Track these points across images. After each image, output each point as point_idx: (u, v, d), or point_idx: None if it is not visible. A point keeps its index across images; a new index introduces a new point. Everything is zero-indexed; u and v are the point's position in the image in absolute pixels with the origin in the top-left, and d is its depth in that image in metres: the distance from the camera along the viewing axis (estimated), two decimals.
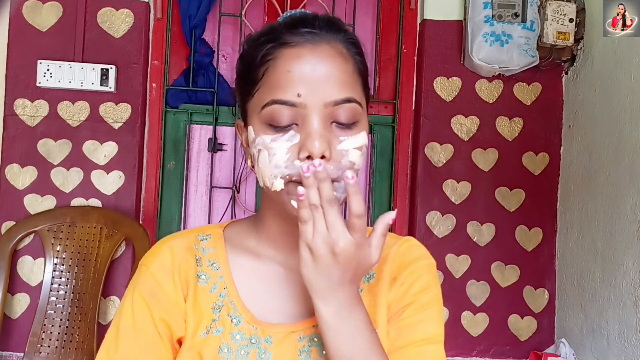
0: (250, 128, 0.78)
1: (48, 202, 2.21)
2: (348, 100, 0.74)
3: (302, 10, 0.82)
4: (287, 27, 0.77)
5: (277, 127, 0.74)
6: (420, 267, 0.85)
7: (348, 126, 0.75)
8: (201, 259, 0.83)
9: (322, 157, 0.71)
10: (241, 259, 0.84)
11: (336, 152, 0.73)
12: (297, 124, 0.73)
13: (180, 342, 0.81)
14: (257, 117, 0.76)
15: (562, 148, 2.38)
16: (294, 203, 0.73)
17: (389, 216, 0.72)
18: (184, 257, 0.82)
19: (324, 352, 0.79)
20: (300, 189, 0.69)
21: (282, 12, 2.37)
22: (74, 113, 2.24)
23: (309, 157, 0.71)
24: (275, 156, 0.73)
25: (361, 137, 0.76)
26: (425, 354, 0.80)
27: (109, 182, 2.25)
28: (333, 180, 0.73)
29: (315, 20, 0.77)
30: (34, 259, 2.19)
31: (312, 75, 0.73)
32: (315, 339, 0.79)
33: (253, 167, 0.80)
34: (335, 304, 0.71)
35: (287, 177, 0.73)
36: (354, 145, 0.75)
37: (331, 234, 0.69)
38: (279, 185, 0.74)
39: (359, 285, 0.74)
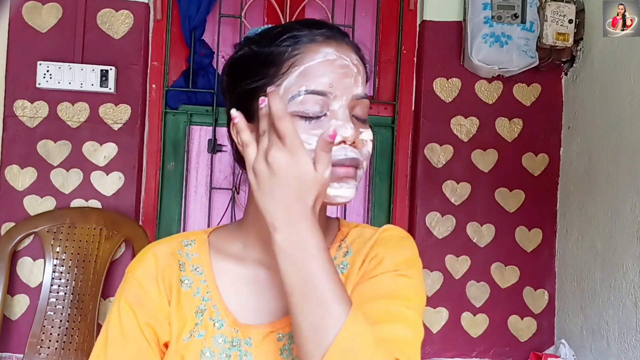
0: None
1: (48, 203, 2.21)
2: (366, 96, 0.80)
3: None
4: (303, 25, 0.80)
5: (307, 117, 0.76)
6: (397, 247, 0.83)
7: (363, 120, 0.80)
8: (184, 264, 0.84)
9: (352, 143, 0.76)
10: (224, 263, 0.85)
11: (359, 141, 0.78)
12: (326, 114, 0.76)
13: (166, 346, 0.82)
14: (287, 108, 0.75)
15: (561, 149, 2.38)
16: (329, 190, 0.75)
17: (327, 133, 0.70)
18: (167, 262, 0.84)
19: None
20: (234, 111, 0.73)
21: (282, 13, 2.39)
22: (74, 114, 2.24)
23: (343, 142, 0.76)
24: (310, 144, 0.73)
25: (371, 132, 0.81)
26: (386, 307, 0.75)
27: (109, 183, 2.24)
28: (356, 167, 0.77)
29: (324, 23, 0.82)
30: (34, 260, 2.19)
31: (341, 69, 0.77)
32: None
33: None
34: (284, 226, 0.68)
35: None
36: (369, 138, 0.80)
37: (268, 149, 0.69)
38: None
39: (314, 211, 0.70)
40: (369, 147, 0.80)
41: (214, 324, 0.81)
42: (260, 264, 0.84)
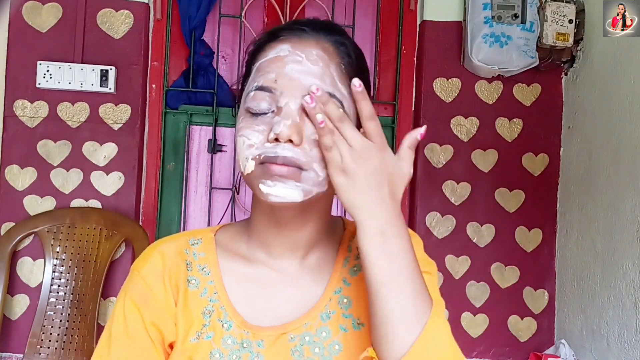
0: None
1: (48, 203, 2.21)
2: (327, 95, 0.74)
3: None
4: (283, 25, 0.81)
5: (255, 113, 0.76)
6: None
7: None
8: (192, 264, 0.83)
9: (290, 141, 0.72)
10: (232, 263, 0.84)
11: (308, 140, 0.73)
12: (274, 110, 0.75)
13: (171, 347, 0.81)
14: (243, 106, 0.78)
15: (561, 149, 2.38)
16: (262, 187, 0.73)
17: (418, 131, 0.73)
18: (174, 261, 0.82)
19: (317, 350, 0.79)
20: (319, 116, 0.70)
21: (282, 13, 2.38)
22: (74, 114, 2.24)
23: (277, 140, 0.72)
24: (249, 139, 0.75)
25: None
26: None
27: (109, 183, 2.24)
28: (300, 168, 0.73)
29: (310, 21, 0.80)
30: (34, 260, 2.19)
31: (292, 65, 0.75)
32: (307, 338, 0.79)
33: None
34: (382, 218, 0.70)
35: (257, 157, 0.74)
36: None
37: (355, 147, 0.70)
38: (250, 167, 0.74)
39: (398, 208, 0.73)
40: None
41: (222, 325, 0.79)
42: (266, 264, 0.83)
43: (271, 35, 0.79)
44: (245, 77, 0.82)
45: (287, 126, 0.72)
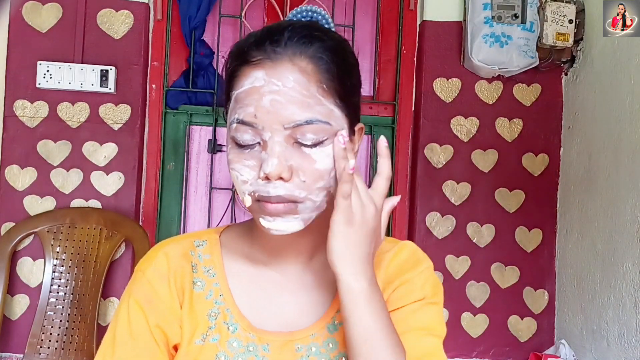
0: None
1: (48, 203, 2.21)
2: (307, 122, 0.72)
3: (297, 14, 0.82)
4: (257, 41, 0.75)
5: (241, 146, 0.75)
6: (421, 272, 0.84)
7: (313, 146, 0.73)
8: (197, 265, 0.83)
9: (281, 178, 0.72)
10: (237, 264, 0.84)
11: (296, 171, 0.73)
12: (259, 143, 0.74)
13: (176, 349, 0.81)
14: (228, 133, 0.77)
15: (561, 149, 2.38)
16: (262, 222, 0.74)
17: (396, 199, 0.77)
18: (179, 263, 0.82)
19: None
20: (352, 162, 0.72)
21: (282, 13, 2.38)
22: (74, 114, 2.24)
23: (267, 178, 0.72)
24: (242, 174, 0.75)
25: (324, 151, 0.74)
26: (425, 344, 0.79)
27: (109, 183, 2.24)
28: (295, 202, 0.73)
29: (285, 32, 0.75)
30: (34, 260, 2.18)
31: (270, 96, 0.72)
32: (313, 349, 0.79)
33: None
34: (365, 279, 0.72)
35: (252, 193, 0.74)
36: (319, 161, 0.74)
37: (363, 202, 0.72)
38: (247, 201, 0.75)
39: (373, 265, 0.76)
40: (317, 171, 0.73)
41: (227, 328, 0.79)
42: (271, 267, 0.83)
43: (243, 59, 0.75)
44: (225, 94, 0.79)
45: (275, 165, 0.71)
